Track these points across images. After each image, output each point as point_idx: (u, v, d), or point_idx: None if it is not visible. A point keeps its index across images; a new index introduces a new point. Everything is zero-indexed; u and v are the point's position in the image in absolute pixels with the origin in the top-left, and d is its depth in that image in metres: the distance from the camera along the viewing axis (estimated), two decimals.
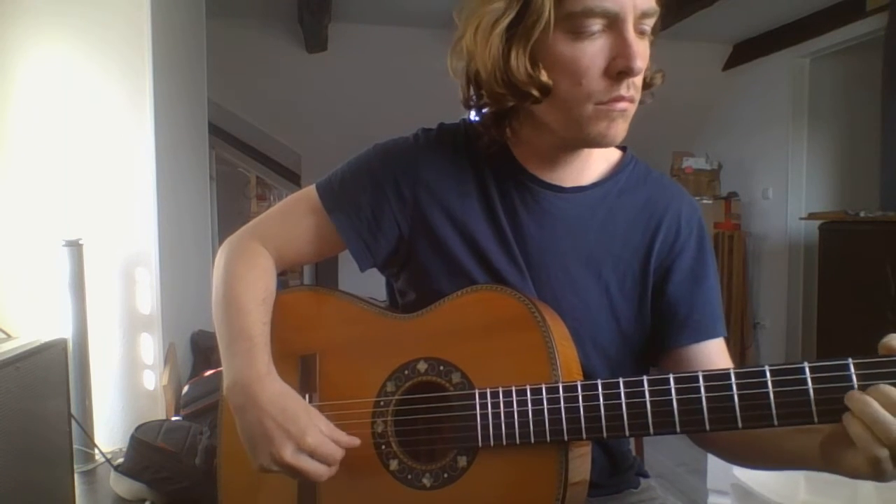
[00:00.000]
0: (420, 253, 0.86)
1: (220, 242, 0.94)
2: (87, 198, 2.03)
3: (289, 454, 0.74)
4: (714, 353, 0.84)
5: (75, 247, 1.86)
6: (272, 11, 4.32)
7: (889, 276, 2.96)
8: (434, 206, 0.85)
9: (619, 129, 0.75)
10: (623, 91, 0.72)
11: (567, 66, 0.72)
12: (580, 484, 0.73)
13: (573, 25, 0.70)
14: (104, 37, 2.03)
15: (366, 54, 4.53)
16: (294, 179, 5.55)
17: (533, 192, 0.84)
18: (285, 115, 4.63)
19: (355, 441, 0.78)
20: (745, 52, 4.87)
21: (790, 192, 4.54)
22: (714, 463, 1.75)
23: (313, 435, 0.75)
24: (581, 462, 0.73)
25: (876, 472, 0.58)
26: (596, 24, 0.69)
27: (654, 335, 0.86)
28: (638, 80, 0.74)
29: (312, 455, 0.75)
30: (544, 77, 0.72)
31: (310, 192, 0.91)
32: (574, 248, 0.84)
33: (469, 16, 0.76)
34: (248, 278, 0.87)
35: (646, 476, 0.98)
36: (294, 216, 0.92)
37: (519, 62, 0.72)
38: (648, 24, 0.72)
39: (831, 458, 0.63)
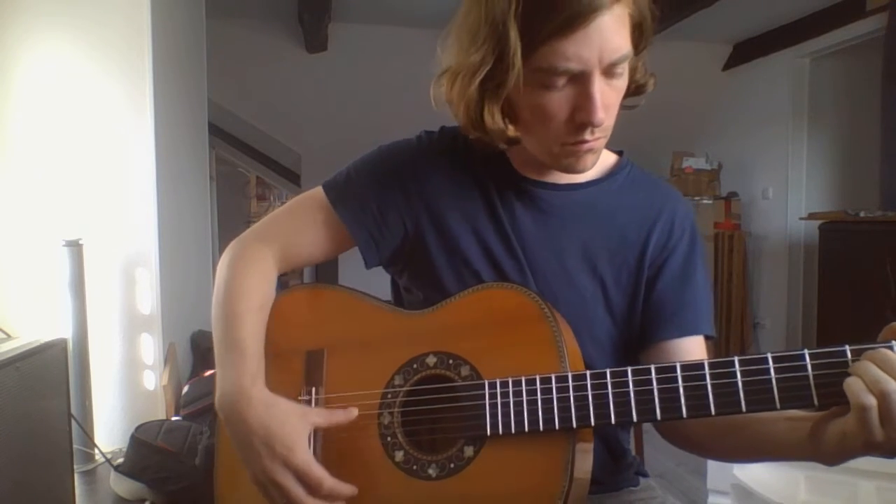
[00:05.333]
0: (426, 247, 0.88)
1: (221, 242, 0.94)
2: (87, 198, 2.03)
3: (278, 472, 0.75)
4: (695, 349, 0.86)
5: (75, 247, 1.86)
6: (272, 11, 4.32)
7: (889, 276, 2.96)
8: (439, 203, 0.88)
9: (588, 162, 0.80)
10: (587, 136, 0.76)
11: (535, 111, 0.76)
12: (584, 480, 0.74)
13: (540, 78, 0.73)
14: (104, 37, 2.03)
15: (366, 54, 4.53)
16: (294, 179, 5.55)
17: (528, 190, 0.87)
18: (285, 115, 4.63)
19: (352, 413, 0.79)
20: (745, 52, 4.87)
21: (790, 192, 4.54)
22: (714, 463, 1.74)
23: (298, 456, 0.75)
24: (585, 457, 0.73)
25: (864, 427, 0.60)
26: (561, 80, 0.73)
27: (640, 328, 0.89)
28: (609, 119, 0.77)
29: (297, 475, 0.75)
30: (511, 132, 0.79)
31: (315, 191, 0.92)
32: (570, 242, 0.86)
33: (449, 63, 0.80)
34: (246, 284, 0.88)
35: (645, 476, 0.98)
36: (300, 215, 0.93)
37: (492, 115, 0.77)
38: (620, 69, 0.75)
39: (820, 430, 0.66)
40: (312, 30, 4.21)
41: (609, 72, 0.73)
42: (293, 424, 0.77)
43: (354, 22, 4.47)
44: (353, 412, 0.79)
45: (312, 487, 0.75)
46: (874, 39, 3.78)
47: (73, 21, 2.00)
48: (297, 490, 0.75)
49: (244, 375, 0.80)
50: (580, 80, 0.72)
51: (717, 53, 5.01)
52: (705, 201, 4.65)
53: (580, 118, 0.74)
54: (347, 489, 0.76)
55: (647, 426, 0.96)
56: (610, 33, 0.70)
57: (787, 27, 4.47)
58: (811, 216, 3.97)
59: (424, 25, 4.41)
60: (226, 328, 0.84)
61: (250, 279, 0.88)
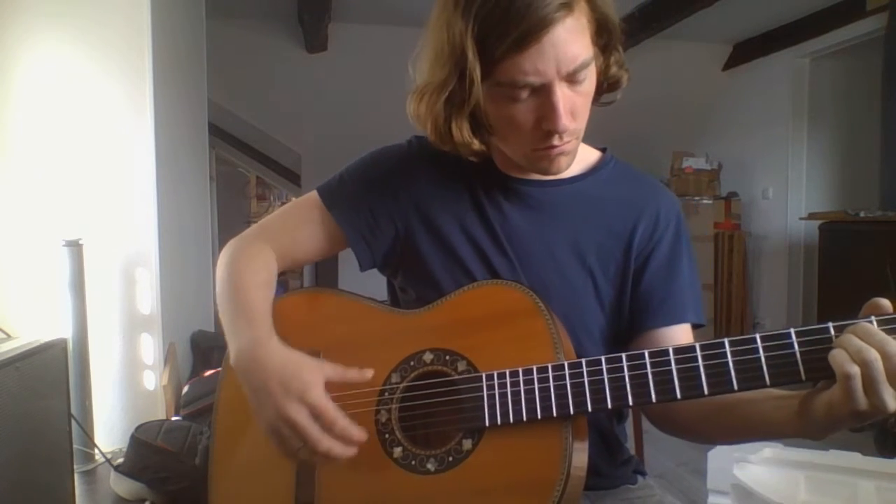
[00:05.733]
0: (418, 249, 0.90)
1: (221, 242, 0.96)
2: (87, 198, 2.03)
3: (293, 408, 0.73)
4: (682, 337, 0.88)
5: (75, 247, 1.86)
6: (272, 11, 4.32)
7: (889, 276, 2.96)
8: (430, 205, 0.90)
9: (562, 164, 0.82)
10: (556, 142, 0.78)
11: (504, 122, 0.79)
12: (580, 475, 0.74)
13: (504, 92, 0.75)
14: (104, 37, 2.03)
15: (366, 54, 4.53)
16: (294, 179, 5.55)
17: (514, 188, 0.90)
18: (285, 115, 4.63)
19: (367, 374, 0.79)
20: (745, 52, 4.87)
21: (790, 192, 4.54)
22: (714, 463, 1.74)
23: (314, 393, 0.74)
24: (581, 455, 0.74)
25: (849, 396, 0.62)
26: (524, 92, 0.75)
27: (629, 318, 0.90)
28: (577, 123, 0.78)
29: (313, 412, 0.74)
30: (476, 146, 0.82)
31: (311, 195, 0.96)
32: (560, 236, 0.88)
33: (418, 79, 0.82)
34: (249, 268, 0.90)
35: (644, 474, 0.99)
36: (296, 217, 0.96)
37: (460, 130, 0.80)
38: (583, 75, 0.75)
39: (808, 404, 0.68)
40: (312, 30, 4.21)
41: (571, 79, 0.75)
42: (311, 369, 0.77)
43: (354, 22, 4.47)
44: (368, 373, 0.79)
45: (326, 425, 0.74)
46: (874, 39, 3.79)
47: (73, 21, 2.00)
48: (311, 427, 0.73)
49: (261, 329, 0.82)
50: (542, 91, 0.74)
51: (717, 53, 5.01)
52: (705, 201, 4.65)
53: (546, 126, 0.76)
54: (359, 432, 0.75)
55: (646, 426, 0.97)
56: (565, 44, 0.72)
57: (787, 27, 4.47)
58: (811, 216, 3.97)
59: (424, 25, 4.40)
60: (234, 299, 0.86)
61: (253, 263, 0.91)
